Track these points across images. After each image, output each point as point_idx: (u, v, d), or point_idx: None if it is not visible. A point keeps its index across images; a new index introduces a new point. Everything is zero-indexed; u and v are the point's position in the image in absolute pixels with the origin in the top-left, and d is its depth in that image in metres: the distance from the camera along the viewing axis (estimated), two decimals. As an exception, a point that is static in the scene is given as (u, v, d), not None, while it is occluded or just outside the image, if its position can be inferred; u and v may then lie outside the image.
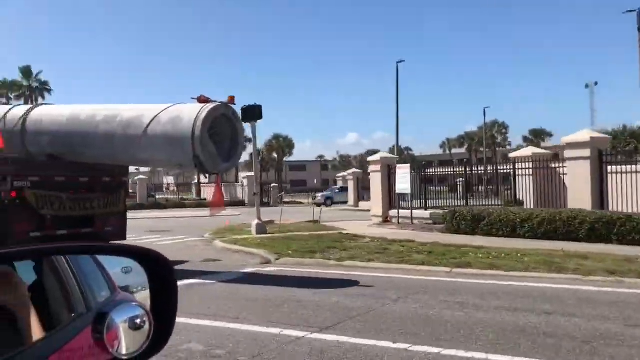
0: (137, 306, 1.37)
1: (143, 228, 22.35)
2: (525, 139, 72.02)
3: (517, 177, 19.68)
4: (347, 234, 17.03)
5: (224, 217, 22.97)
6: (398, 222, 20.23)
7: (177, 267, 11.51)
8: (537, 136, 71.31)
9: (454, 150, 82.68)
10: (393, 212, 21.29)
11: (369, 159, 24.36)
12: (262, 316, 6.98)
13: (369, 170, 25.14)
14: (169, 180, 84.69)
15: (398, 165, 21.47)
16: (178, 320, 1.48)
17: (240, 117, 18.78)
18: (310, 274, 10.47)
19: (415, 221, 19.43)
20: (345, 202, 42.92)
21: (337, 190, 47.49)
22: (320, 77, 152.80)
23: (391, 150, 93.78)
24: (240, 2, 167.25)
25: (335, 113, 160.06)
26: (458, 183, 28.42)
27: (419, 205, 20.61)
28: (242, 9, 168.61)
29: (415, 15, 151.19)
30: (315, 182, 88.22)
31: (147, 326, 1.35)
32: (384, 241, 14.53)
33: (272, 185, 52.62)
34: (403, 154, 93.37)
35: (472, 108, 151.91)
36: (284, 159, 77.98)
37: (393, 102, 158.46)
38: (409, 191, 20.01)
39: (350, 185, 40.67)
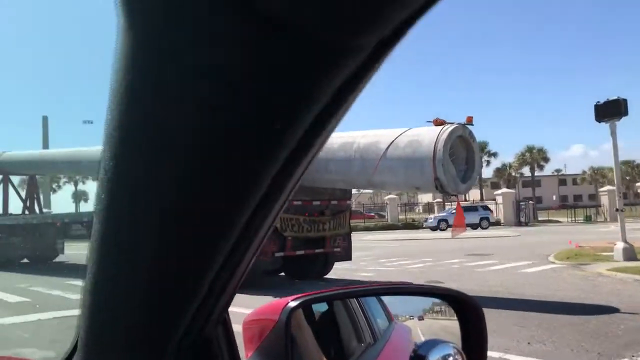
0: (451, 346, 1.40)
1: (449, 251, 20.70)
2: None
3: None
4: None
5: (464, 238, 19.99)
6: None
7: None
8: None
9: None
10: None
11: None
12: None
13: None
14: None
15: None
16: None
17: (594, 115, 15.51)
18: None
19: None
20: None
21: (452, 212, 41.35)
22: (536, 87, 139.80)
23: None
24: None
25: (556, 122, 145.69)
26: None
27: None
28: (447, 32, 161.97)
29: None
30: (554, 198, 79.84)
31: None
32: None
33: (530, 202, 47.80)
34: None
35: None
36: (536, 174, 69.39)
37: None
38: None
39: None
